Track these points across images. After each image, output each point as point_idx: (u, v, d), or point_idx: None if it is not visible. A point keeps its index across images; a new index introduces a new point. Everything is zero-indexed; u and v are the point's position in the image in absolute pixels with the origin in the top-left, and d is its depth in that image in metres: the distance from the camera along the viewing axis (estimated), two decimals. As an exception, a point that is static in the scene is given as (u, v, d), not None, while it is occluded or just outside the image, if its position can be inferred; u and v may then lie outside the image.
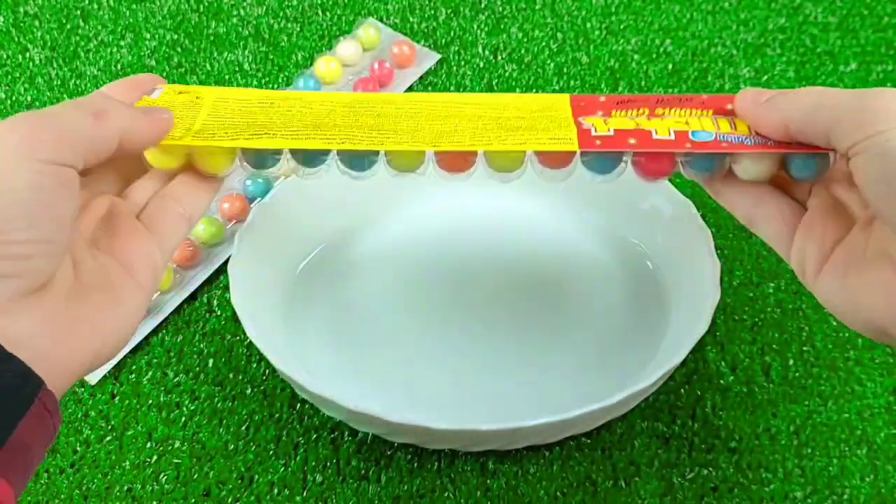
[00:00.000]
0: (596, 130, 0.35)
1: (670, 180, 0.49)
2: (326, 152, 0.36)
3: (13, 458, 0.26)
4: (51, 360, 0.28)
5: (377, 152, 0.36)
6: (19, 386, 0.26)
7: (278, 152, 0.36)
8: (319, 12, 0.67)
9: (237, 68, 0.63)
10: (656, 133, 0.35)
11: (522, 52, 0.64)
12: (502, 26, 0.66)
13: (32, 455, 0.27)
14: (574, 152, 0.35)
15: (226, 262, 0.52)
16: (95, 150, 0.29)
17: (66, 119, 0.28)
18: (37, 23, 0.67)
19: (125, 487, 0.44)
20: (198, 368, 0.48)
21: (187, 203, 0.35)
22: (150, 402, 0.47)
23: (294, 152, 0.36)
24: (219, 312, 0.50)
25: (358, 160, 0.36)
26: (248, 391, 0.47)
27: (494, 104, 0.38)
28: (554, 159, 0.36)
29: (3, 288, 0.27)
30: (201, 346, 0.49)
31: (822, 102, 0.32)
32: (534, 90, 0.62)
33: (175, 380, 0.48)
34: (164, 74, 0.63)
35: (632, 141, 0.35)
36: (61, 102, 0.30)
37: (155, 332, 0.49)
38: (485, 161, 0.36)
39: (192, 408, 0.47)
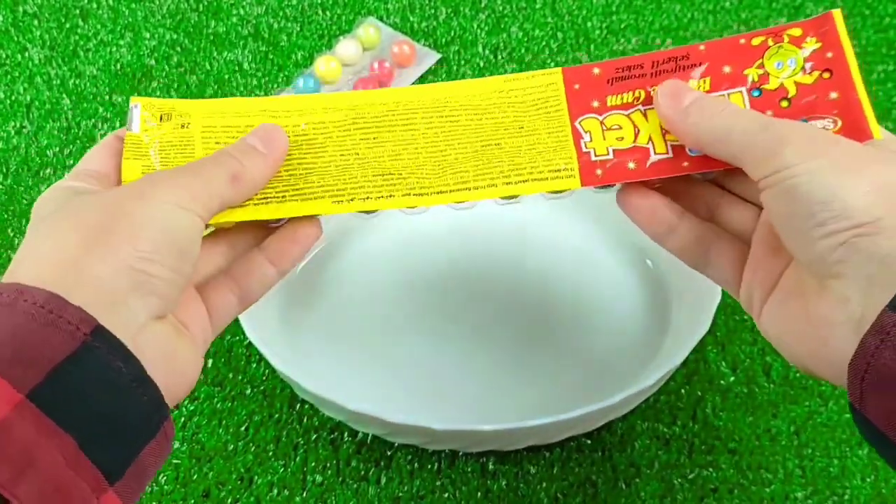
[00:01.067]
0: (595, 154, 0.34)
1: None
2: None
3: (133, 480, 0.27)
4: (165, 384, 0.29)
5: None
6: (151, 412, 0.28)
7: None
8: (319, 11, 0.67)
9: (237, 68, 0.63)
10: (654, 150, 0.34)
11: (523, 51, 0.64)
12: (502, 25, 0.66)
13: (147, 478, 0.28)
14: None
15: (225, 262, 0.52)
16: (224, 207, 0.32)
17: (212, 182, 0.32)
18: (36, 22, 0.66)
19: (124, 488, 0.44)
20: (197, 369, 0.48)
21: (245, 286, 0.35)
22: (150, 402, 0.47)
23: None
24: (218, 312, 0.50)
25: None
26: (248, 391, 0.47)
27: (489, 108, 0.36)
28: None
29: (150, 304, 0.29)
30: (201, 346, 0.49)
31: (734, 127, 0.31)
32: (534, 90, 0.62)
33: (174, 380, 0.48)
34: (164, 74, 0.63)
35: (631, 166, 0.34)
36: (209, 157, 0.33)
37: (154, 332, 0.49)
38: None
39: (192, 408, 0.46)
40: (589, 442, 0.45)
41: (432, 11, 0.67)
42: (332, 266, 0.51)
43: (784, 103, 0.34)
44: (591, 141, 0.35)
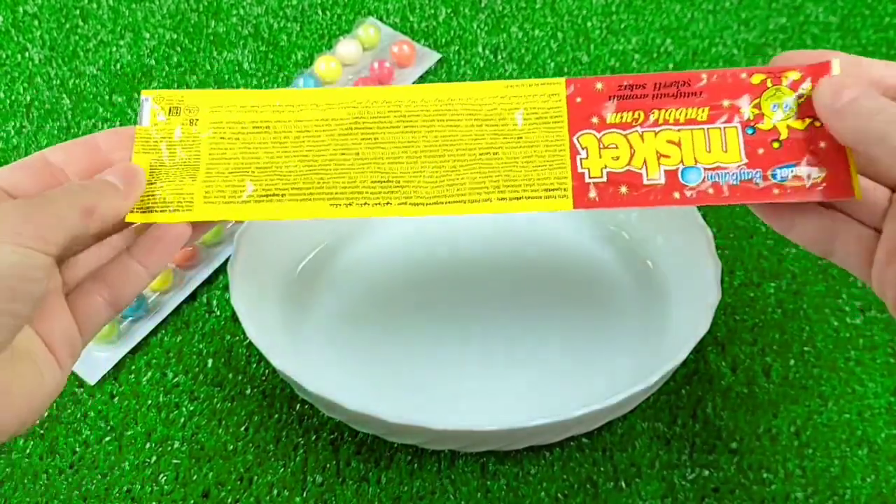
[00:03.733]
0: (590, 175, 0.35)
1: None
2: None
3: None
4: None
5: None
6: None
7: None
8: (319, 11, 0.67)
9: (237, 68, 0.63)
10: (647, 176, 0.35)
11: (522, 51, 0.64)
12: (502, 25, 0.66)
13: None
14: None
15: (225, 262, 0.52)
16: (77, 241, 0.31)
17: (60, 215, 0.30)
18: (36, 22, 0.66)
19: (124, 488, 0.44)
20: (197, 369, 0.48)
21: (116, 288, 0.35)
22: (150, 402, 0.47)
23: None
24: (218, 312, 0.50)
25: None
26: (248, 391, 0.47)
27: (490, 114, 0.37)
28: None
29: None
30: (200, 346, 0.49)
31: (887, 136, 0.30)
32: (534, 90, 0.62)
33: (174, 380, 0.48)
34: (164, 74, 0.63)
35: (623, 190, 0.35)
36: (63, 188, 0.32)
37: (154, 332, 0.49)
38: None
39: (192, 408, 0.46)
40: (589, 442, 0.45)
41: (432, 11, 0.67)
42: (332, 266, 0.51)
43: (776, 144, 0.35)
44: (587, 158, 0.36)
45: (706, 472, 0.44)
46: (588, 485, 0.44)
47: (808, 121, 0.35)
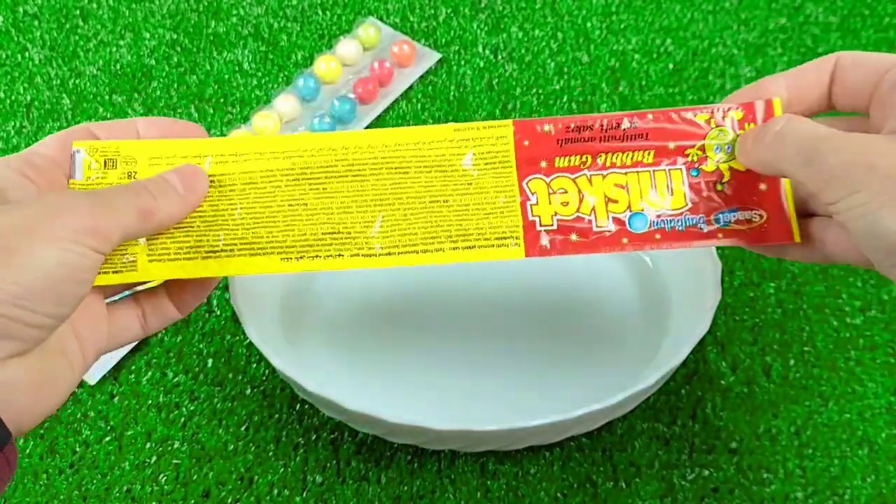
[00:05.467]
0: (541, 223, 0.36)
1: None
2: None
3: None
4: (22, 413, 0.29)
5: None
6: None
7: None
8: (319, 11, 0.67)
9: (237, 68, 0.63)
10: (596, 223, 0.36)
11: (523, 51, 0.64)
12: (502, 25, 0.66)
13: None
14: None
15: (225, 262, 0.52)
16: (128, 239, 0.32)
17: (118, 214, 0.30)
18: (36, 22, 0.66)
19: (124, 488, 0.44)
20: (197, 369, 0.48)
21: (147, 315, 0.36)
22: (150, 402, 0.47)
23: None
24: (218, 312, 0.50)
25: None
26: (248, 391, 0.47)
27: (438, 160, 0.36)
28: None
29: (6, 347, 0.28)
30: (201, 346, 0.49)
31: (778, 160, 0.32)
32: (534, 90, 0.62)
33: (174, 380, 0.48)
34: (164, 74, 0.63)
35: (573, 238, 0.36)
36: (123, 186, 0.32)
37: (154, 332, 0.49)
38: None
39: (192, 408, 0.47)
40: (589, 442, 0.45)
41: (432, 11, 0.67)
42: (332, 266, 0.51)
43: (719, 186, 0.36)
44: (537, 205, 0.36)
45: (706, 472, 0.44)
46: (588, 484, 0.44)
47: None
